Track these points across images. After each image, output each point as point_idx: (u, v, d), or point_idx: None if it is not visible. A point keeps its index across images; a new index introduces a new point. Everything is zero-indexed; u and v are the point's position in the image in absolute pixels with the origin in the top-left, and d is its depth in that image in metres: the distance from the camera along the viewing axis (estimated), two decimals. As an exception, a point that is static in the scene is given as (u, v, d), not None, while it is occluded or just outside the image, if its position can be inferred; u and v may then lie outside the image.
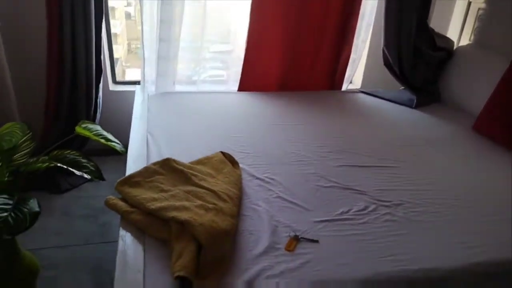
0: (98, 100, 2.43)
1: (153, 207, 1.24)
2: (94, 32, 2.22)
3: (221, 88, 2.72)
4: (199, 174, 1.46)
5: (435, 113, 2.42)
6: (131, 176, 1.41)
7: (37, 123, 2.30)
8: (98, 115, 2.48)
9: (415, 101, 2.51)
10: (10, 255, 1.52)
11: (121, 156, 1.68)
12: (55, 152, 1.51)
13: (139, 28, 2.31)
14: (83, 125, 1.58)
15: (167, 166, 1.47)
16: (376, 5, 2.61)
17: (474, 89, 2.35)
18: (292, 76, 2.63)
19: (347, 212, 1.41)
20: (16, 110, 2.38)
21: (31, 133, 1.52)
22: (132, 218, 1.25)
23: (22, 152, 1.47)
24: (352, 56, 2.71)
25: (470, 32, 2.65)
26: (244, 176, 1.58)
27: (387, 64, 2.60)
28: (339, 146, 1.90)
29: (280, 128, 2.06)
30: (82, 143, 2.43)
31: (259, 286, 1.08)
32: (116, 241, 1.20)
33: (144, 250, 1.16)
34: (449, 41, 2.66)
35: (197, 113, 2.16)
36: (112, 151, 1.62)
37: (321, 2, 2.44)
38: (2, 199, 1.27)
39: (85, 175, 1.43)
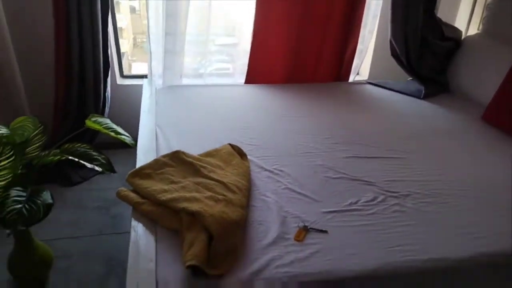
0: (106, 94, 2.44)
1: (164, 198, 1.26)
2: (101, 27, 2.23)
3: (228, 81, 2.72)
4: (208, 166, 1.47)
5: (444, 103, 2.40)
6: (142, 168, 1.43)
7: (47, 119, 2.33)
8: (107, 109, 2.50)
9: (423, 91, 2.49)
10: (25, 246, 1.55)
11: (130, 149, 1.70)
12: (66, 146, 1.53)
13: (144, 22, 2.31)
14: (93, 119, 1.60)
15: (177, 158, 1.48)
16: (383, -6, 2.59)
17: (483, 79, 2.33)
18: (299, 68, 2.63)
19: (356, 203, 1.42)
20: (27, 106, 2.41)
21: (42, 127, 1.54)
22: (143, 209, 1.27)
23: (34, 146, 1.49)
24: (359, 47, 2.69)
25: (478, 21, 2.62)
26: (253, 168, 1.59)
27: (394, 54, 2.58)
28: (347, 137, 1.90)
29: (288, 120, 2.06)
30: (92, 137, 2.46)
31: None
32: (128, 232, 1.22)
33: (156, 240, 1.18)
34: (457, 31, 2.63)
35: (205, 106, 2.18)
36: (121, 145, 1.64)
37: (327, -7, 2.42)
38: (16, 191, 1.30)
39: (96, 168, 1.45)
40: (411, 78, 2.69)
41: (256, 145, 1.78)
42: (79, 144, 1.55)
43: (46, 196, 1.33)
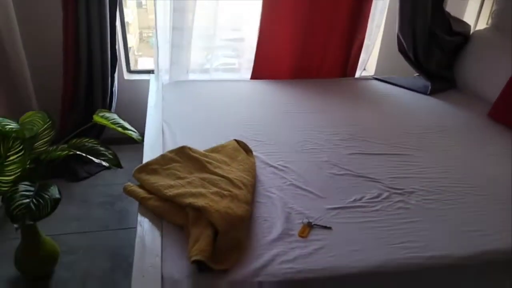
0: (113, 89, 2.46)
1: (170, 193, 1.27)
2: (108, 22, 2.24)
3: (234, 76, 2.72)
4: (214, 162, 1.48)
5: (450, 100, 2.38)
6: (148, 163, 1.44)
7: (55, 113, 2.35)
8: (114, 104, 2.51)
9: (430, 87, 2.48)
10: (32, 241, 1.58)
11: (136, 144, 1.71)
12: (74, 141, 1.55)
13: (151, 16, 2.32)
14: (100, 114, 1.62)
15: (183, 154, 1.50)
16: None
17: (491, 75, 2.30)
18: (305, 63, 2.62)
19: (360, 199, 1.42)
20: (35, 100, 2.43)
21: (51, 122, 1.56)
22: (149, 204, 1.28)
23: (43, 140, 1.51)
24: (366, 42, 2.67)
25: (487, 15, 2.58)
26: (258, 164, 1.60)
27: (401, 50, 2.56)
28: (352, 134, 1.90)
29: (293, 116, 2.06)
30: (99, 132, 2.48)
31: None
32: (134, 227, 1.23)
33: (162, 235, 1.19)
34: (465, 25, 2.60)
35: (211, 102, 2.18)
36: (127, 140, 1.65)
37: (334, -13, 2.40)
38: (24, 186, 1.32)
39: (104, 163, 1.47)
40: (417, 74, 2.67)
41: (261, 141, 1.79)
42: (86, 139, 1.56)
43: (54, 191, 1.35)
